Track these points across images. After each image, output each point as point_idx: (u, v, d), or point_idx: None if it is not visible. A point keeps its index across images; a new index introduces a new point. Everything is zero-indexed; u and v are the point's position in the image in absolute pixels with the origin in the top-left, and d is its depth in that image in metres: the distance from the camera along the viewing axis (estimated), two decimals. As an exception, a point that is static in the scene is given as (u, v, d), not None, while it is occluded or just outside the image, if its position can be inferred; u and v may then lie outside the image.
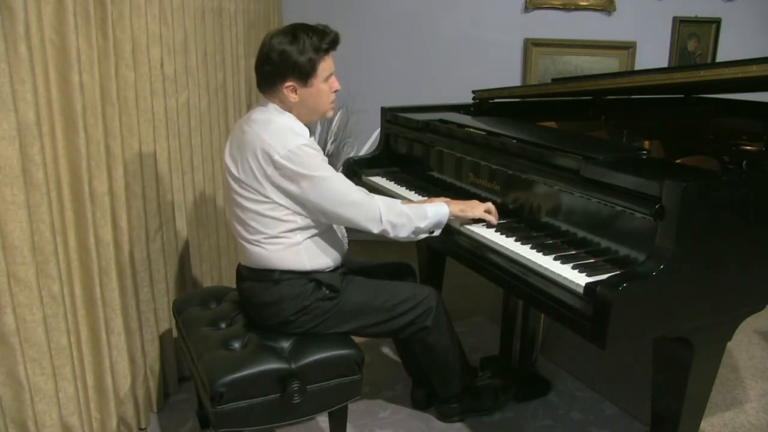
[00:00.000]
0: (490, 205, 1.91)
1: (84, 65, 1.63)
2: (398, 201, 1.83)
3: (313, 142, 1.74)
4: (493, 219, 1.87)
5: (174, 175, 2.15)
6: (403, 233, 1.78)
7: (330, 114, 1.84)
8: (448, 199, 2.02)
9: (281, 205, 1.70)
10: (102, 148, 1.73)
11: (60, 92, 1.58)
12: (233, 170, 1.73)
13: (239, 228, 1.78)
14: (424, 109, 2.60)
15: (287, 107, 1.75)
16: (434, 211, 1.83)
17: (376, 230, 1.75)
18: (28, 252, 1.46)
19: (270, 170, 1.66)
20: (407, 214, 1.78)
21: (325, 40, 1.70)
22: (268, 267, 1.76)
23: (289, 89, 1.71)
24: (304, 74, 1.69)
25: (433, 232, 1.86)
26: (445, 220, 1.85)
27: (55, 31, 1.54)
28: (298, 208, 1.71)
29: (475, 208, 1.88)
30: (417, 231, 1.80)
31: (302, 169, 1.65)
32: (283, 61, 1.67)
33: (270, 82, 1.72)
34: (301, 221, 1.73)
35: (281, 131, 1.69)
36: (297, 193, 1.68)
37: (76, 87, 1.59)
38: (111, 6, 1.72)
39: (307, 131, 1.77)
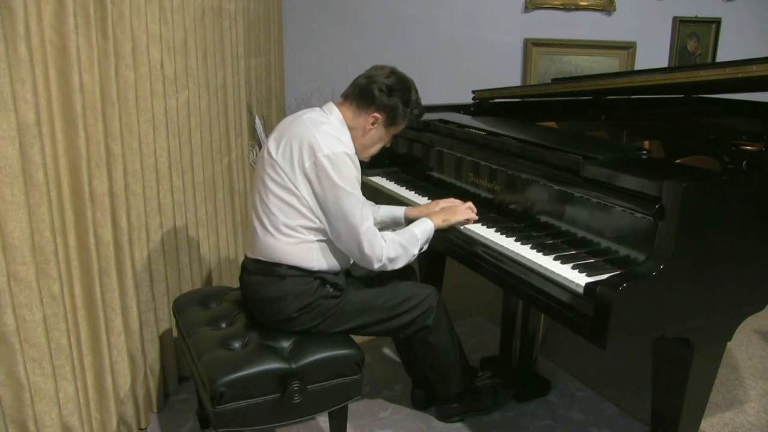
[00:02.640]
0: (469, 204, 1.97)
1: (84, 65, 1.63)
2: (390, 233, 1.85)
3: (355, 157, 1.76)
4: (474, 216, 1.94)
5: (174, 175, 2.15)
6: (399, 264, 1.82)
7: (366, 159, 1.91)
8: (429, 206, 2.04)
9: (305, 200, 1.72)
10: (102, 148, 1.73)
11: (60, 92, 1.58)
12: (273, 151, 1.75)
13: (260, 212, 1.79)
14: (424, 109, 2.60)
15: (352, 125, 1.81)
16: (421, 230, 1.87)
17: (375, 266, 1.76)
18: (28, 252, 1.46)
19: (308, 164, 1.69)
20: (402, 245, 1.81)
21: (418, 109, 1.88)
22: (276, 260, 1.76)
23: (373, 119, 1.81)
24: (393, 120, 1.83)
25: (422, 248, 1.89)
26: (431, 235, 1.90)
27: (55, 31, 1.54)
28: (317, 209, 1.73)
29: (457, 214, 1.93)
30: (411, 258, 1.85)
31: (336, 176, 1.68)
32: (394, 99, 1.79)
33: (370, 102, 1.79)
34: (319, 223, 1.75)
35: (331, 135, 1.74)
36: (321, 195, 1.71)
37: (76, 87, 1.59)
38: (111, 6, 1.72)
39: (353, 149, 1.79)
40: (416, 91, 1.86)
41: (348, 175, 1.70)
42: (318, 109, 1.85)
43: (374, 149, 1.89)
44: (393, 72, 1.82)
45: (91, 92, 1.67)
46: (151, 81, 1.94)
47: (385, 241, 1.77)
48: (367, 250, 1.73)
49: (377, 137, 1.85)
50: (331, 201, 1.70)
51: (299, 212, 1.73)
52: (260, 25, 3.15)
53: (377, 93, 1.78)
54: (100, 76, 1.70)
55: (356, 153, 1.81)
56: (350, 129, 1.81)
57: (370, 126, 1.82)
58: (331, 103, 1.84)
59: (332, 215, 1.72)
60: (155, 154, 2.02)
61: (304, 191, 1.72)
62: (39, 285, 1.50)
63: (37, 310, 1.50)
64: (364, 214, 1.73)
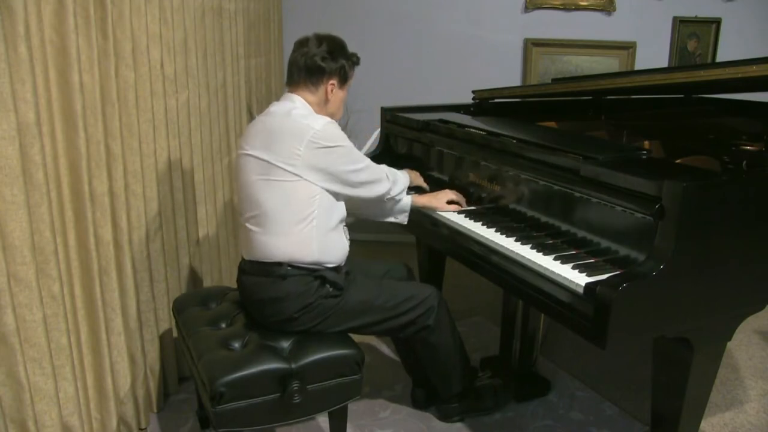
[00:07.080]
0: (451, 194, 2.09)
1: (84, 65, 1.63)
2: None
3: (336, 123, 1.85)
4: (458, 203, 2.08)
5: (174, 175, 2.15)
6: (396, 189, 1.99)
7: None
8: (437, 194, 2.11)
9: (309, 181, 1.74)
10: (102, 148, 1.73)
11: (60, 92, 1.58)
12: (257, 154, 1.75)
13: (251, 215, 1.79)
14: (424, 109, 2.60)
15: (312, 102, 1.86)
16: (403, 181, 2.05)
17: (384, 188, 1.93)
18: (28, 252, 1.46)
19: (303, 150, 1.72)
20: (393, 171, 2.01)
21: (355, 55, 1.94)
22: (276, 259, 1.76)
23: (331, 86, 1.87)
24: (344, 77, 1.90)
25: (399, 199, 2.04)
26: (408, 203, 2.07)
27: (55, 31, 1.54)
28: (321, 189, 1.76)
29: (440, 201, 2.06)
30: (402, 190, 2.03)
31: (331, 142, 1.75)
32: (339, 60, 1.86)
33: (319, 76, 1.85)
34: (317, 207, 1.76)
35: (305, 116, 1.80)
36: (324, 166, 1.75)
37: (76, 87, 1.59)
38: (111, 6, 1.72)
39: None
40: (343, 41, 1.92)
41: (339, 135, 1.79)
42: (276, 102, 1.89)
43: (340, 111, 1.96)
44: (320, 38, 1.87)
45: (91, 92, 1.67)
46: (151, 81, 1.94)
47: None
48: (375, 178, 1.89)
49: (339, 100, 1.92)
50: (336, 160, 1.76)
51: (300, 201, 1.74)
52: (260, 25, 3.15)
53: (323, 63, 1.83)
54: (100, 76, 1.71)
55: None
56: (312, 106, 1.86)
57: (331, 94, 1.87)
58: (288, 92, 1.88)
59: (341, 172, 1.78)
60: (155, 154, 2.02)
61: (308, 175, 1.73)
62: (39, 285, 1.50)
63: (37, 310, 1.50)
64: (361, 155, 1.86)
